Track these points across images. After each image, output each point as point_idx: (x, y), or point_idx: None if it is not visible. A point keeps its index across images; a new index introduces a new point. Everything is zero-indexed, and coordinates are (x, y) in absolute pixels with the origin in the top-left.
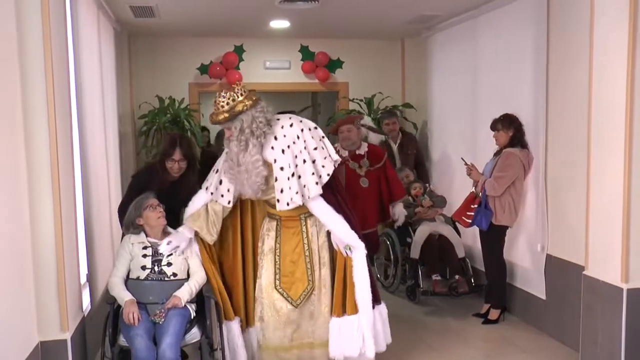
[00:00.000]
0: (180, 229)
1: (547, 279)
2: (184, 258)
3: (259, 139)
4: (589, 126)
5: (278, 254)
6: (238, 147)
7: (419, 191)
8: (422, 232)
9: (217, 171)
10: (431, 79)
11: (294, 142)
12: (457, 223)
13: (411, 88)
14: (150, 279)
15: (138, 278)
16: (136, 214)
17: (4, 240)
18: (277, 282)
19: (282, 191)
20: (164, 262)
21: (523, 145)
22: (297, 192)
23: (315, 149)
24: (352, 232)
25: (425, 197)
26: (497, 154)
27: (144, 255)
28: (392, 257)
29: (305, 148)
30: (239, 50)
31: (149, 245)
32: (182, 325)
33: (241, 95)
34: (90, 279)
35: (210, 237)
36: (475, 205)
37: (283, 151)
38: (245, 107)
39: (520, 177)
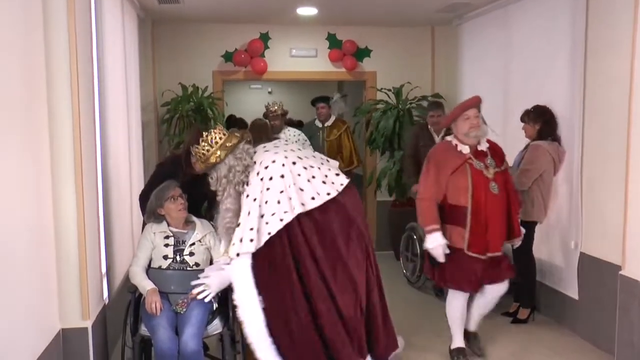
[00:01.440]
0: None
1: (580, 278)
2: (206, 248)
3: (237, 187)
4: (629, 120)
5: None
6: (219, 196)
7: None
8: None
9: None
10: (461, 68)
11: (260, 191)
12: None
13: (441, 78)
14: (172, 268)
15: (160, 267)
16: (157, 204)
17: (28, 228)
18: None
19: (241, 240)
20: (185, 252)
21: (554, 138)
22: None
23: (267, 202)
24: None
25: None
26: (527, 146)
27: (166, 245)
28: (418, 252)
29: (257, 201)
30: (265, 38)
31: (171, 234)
32: (205, 315)
33: (216, 143)
34: (108, 268)
35: None
36: None
37: (249, 197)
38: (218, 159)
39: (548, 171)
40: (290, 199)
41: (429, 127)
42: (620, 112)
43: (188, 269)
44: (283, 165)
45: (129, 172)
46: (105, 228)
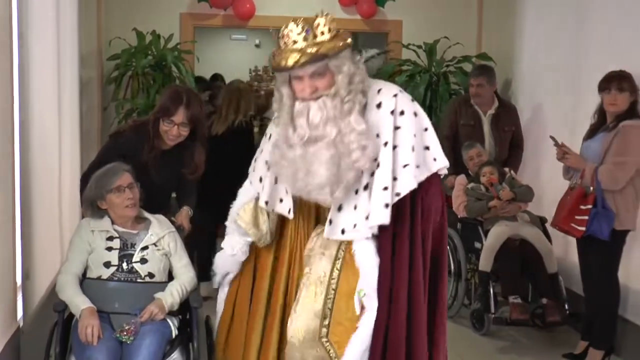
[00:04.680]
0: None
1: None
2: (164, 254)
3: (360, 101)
4: None
5: (334, 286)
6: (334, 109)
7: (492, 177)
8: (497, 235)
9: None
10: (519, 21)
11: (392, 130)
12: (550, 228)
13: (490, 33)
14: (116, 279)
15: (100, 278)
16: (97, 194)
17: None
18: (325, 329)
19: (339, 209)
20: (135, 258)
21: (638, 115)
22: (366, 218)
23: (395, 147)
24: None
25: (503, 186)
26: (606, 128)
27: (109, 248)
28: (451, 268)
29: (390, 144)
30: None
31: (116, 235)
32: (160, 346)
33: (322, 33)
34: (25, 277)
35: (258, 235)
36: (589, 206)
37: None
38: (345, 46)
39: None
40: (428, 148)
41: (472, 100)
42: None
43: (139, 280)
44: (412, 100)
45: (59, 147)
46: (22, 222)
